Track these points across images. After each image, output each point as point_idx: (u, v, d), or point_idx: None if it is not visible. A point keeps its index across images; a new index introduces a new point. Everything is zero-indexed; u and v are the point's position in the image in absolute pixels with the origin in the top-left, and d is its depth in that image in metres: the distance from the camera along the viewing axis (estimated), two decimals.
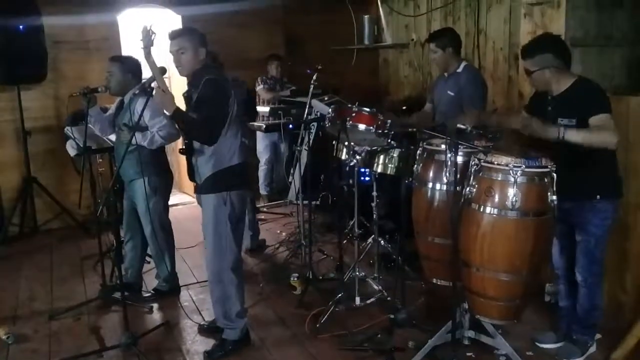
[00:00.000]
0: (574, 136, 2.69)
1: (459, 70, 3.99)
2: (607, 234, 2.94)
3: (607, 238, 2.95)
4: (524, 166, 2.65)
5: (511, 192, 2.66)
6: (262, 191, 6.32)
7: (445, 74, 4.08)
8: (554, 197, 2.71)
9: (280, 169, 6.30)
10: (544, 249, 2.81)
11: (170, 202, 4.05)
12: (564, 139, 2.69)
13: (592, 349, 3.11)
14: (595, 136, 2.70)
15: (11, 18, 4.94)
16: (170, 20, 6.08)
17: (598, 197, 2.86)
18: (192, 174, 3.16)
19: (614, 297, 3.43)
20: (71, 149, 4.07)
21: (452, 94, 3.98)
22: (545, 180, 2.70)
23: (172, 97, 2.95)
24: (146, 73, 3.56)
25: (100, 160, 4.90)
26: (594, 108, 2.73)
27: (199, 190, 3.16)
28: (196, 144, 3.06)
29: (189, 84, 3.10)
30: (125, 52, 5.68)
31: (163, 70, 3.05)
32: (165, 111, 3.03)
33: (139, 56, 3.92)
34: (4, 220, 5.31)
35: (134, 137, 3.21)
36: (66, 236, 5.45)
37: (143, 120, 3.58)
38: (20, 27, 5.00)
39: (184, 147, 3.13)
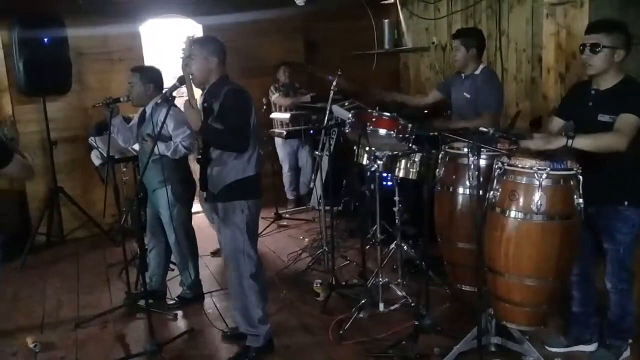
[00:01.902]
0: (583, 143, 2.62)
1: (477, 72, 3.97)
2: (635, 241, 2.86)
3: (635, 245, 2.87)
4: (549, 169, 2.60)
5: (536, 195, 2.61)
6: (289, 196, 6.38)
7: (462, 75, 4.06)
8: (580, 200, 2.65)
9: (304, 174, 6.31)
10: (571, 253, 2.75)
11: (193, 210, 4.07)
12: (572, 147, 2.62)
13: (626, 354, 3.05)
14: (603, 140, 2.63)
15: (36, 30, 5.04)
16: (191, 30, 6.13)
17: (626, 203, 2.79)
18: (204, 183, 3.17)
19: None
20: (95, 159, 4.13)
21: (468, 96, 3.96)
22: (571, 182, 2.65)
23: (199, 113, 2.97)
24: (167, 83, 3.60)
25: (124, 169, 4.97)
26: (629, 107, 2.65)
27: (214, 199, 3.16)
28: (214, 154, 3.08)
29: (206, 93, 3.12)
30: (147, 62, 5.76)
31: (183, 80, 3.07)
32: (193, 127, 3.04)
33: (160, 66, 3.98)
34: (32, 230, 5.39)
35: (156, 148, 3.23)
36: (92, 245, 5.53)
37: (166, 130, 3.61)
38: (45, 39, 5.10)
39: (200, 156, 3.14)
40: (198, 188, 3.25)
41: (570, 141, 2.61)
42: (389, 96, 4.63)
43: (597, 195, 2.75)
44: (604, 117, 2.73)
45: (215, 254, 5.00)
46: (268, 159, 5.75)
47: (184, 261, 3.97)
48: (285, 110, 6.03)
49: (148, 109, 3.78)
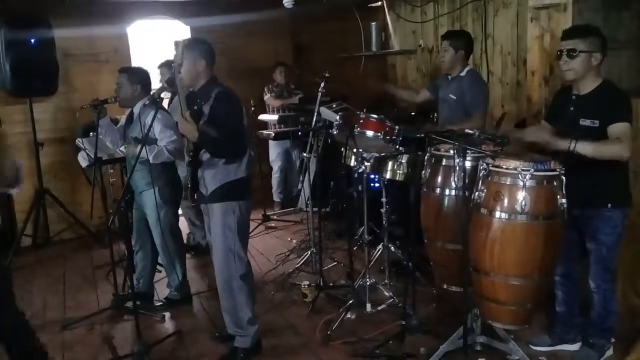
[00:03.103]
0: (585, 149, 2.66)
1: (463, 74, 4.03)
2: (619, 242, 2.91)
3: (619, 246, 2.92)
4: (532, 170, 2.64)
5: (520, 196, 2.65)
6: (275, 198, 6.38)
7: (449, 77, 4.11)
8: (564, 201, 2.69)
9: (293, 176, 6.33)
10: (555, 252, 2.79)
11: (180, 212, 4.07)
12: (574, 151, 2.67)
13: (610, 352, 3.09)
14: (607, 149, 2.67)
15: (23, 31, 5.01)
16: (179, 31, 6.14)
17: (609, 205, 2.83)
18: (195, 186, 3.17)
19: (628, 301, 3.39)
20: (82, 160, 4.11)
21: (454, 97, 4.02)
22: (555, 183, 2.69)
23: (195, 126, 2.96)
24: (155, 84, 3.58)
25: (112, 170, 4.95)
26: (616, 115, 2.70)
27: (206, 200, 3.17)
28: (204, 157, 3.08)
29: (195, 95, 3.11)
30: (134, 63, 5.74)
31: (171, 82, 3.07)
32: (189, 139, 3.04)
33: (148, 67, 3.98)
34: (17, 232, 5.36)
35: (143, 150, 3.22)
36: (78, 246, 5.50)
37: (153, 133, 3.60)
38: (32, 40, 5.06)
39: (190, 159, 3.14)
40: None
41: (573, 144, 2.66)
42: (381, 86, 4.67)
43: (581, 197, 2.79)
44: (585, 122, 2.78)
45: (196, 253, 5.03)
46: (256, 160, 5.76)
47: (171, 263, 3.96)
48: (277, 112, 6.04)
49: (136, 110, 3.77)
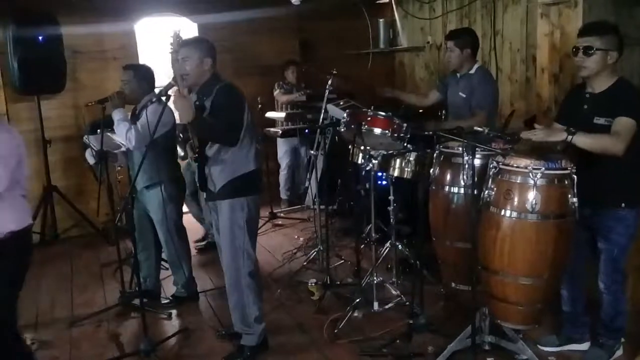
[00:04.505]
0: (583, 141, 2.63)
1: (472, 71, 3.98)
2: (631, 242, 2.86)
3: (630, 246, 2.88)
4: (543, 168, 2.61)
5: (531, 194, 2.62)
6: (283, 195, 6.37)
7: (458, 74, 4.07)
8: (575, 200, 2.66)
9: (301, 173, 6.32)
10: (565, 252, 2.76)
11: (184, 209, 4.06)
12: (571, 142, 2.63)
13: (619, 353, 3.06)
14: (602, 141, 2.63)
15: (30, 29, 5.02)
16: (186, 28, 6.12)
17: (623, 205, 2.79)
18: (203, 183, 3.16)
19: (637, 301, 3.36)
20: (90, 157, 4.11)
21: (463, 95, 3.97)
22: (566, 182, 2.66)
23: (191, 102, 2.95)
24: (160, 81, 3.57)
25: (119, 168, 4.95)
26: (624, 110, 2.66)
27: (214, 197, 3.15)
28: (210, 152, 3.07)
29: (198, 92, 3.11)
30: (142, 60, 5.75)
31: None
32: (184, 119, 3.01)
33: (154, 64, 3.97)
34: None
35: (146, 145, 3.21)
36: (86, 244, 5.51)
37: (145, 117, 3.56)
38: (40, 37, 5.07)
39: (196, 155, 3.12)
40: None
41: (570, 137, 2.63)
42: (390, 92, 4.65)
43: (594, 196, 2.75)
44: (599, 120, 2.73)
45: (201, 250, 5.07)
46: (263, 158, 5.75)
47: (177, 260, 3.95)
48: (284, 108, 6.03)
49: (140, 107, 3.76)
